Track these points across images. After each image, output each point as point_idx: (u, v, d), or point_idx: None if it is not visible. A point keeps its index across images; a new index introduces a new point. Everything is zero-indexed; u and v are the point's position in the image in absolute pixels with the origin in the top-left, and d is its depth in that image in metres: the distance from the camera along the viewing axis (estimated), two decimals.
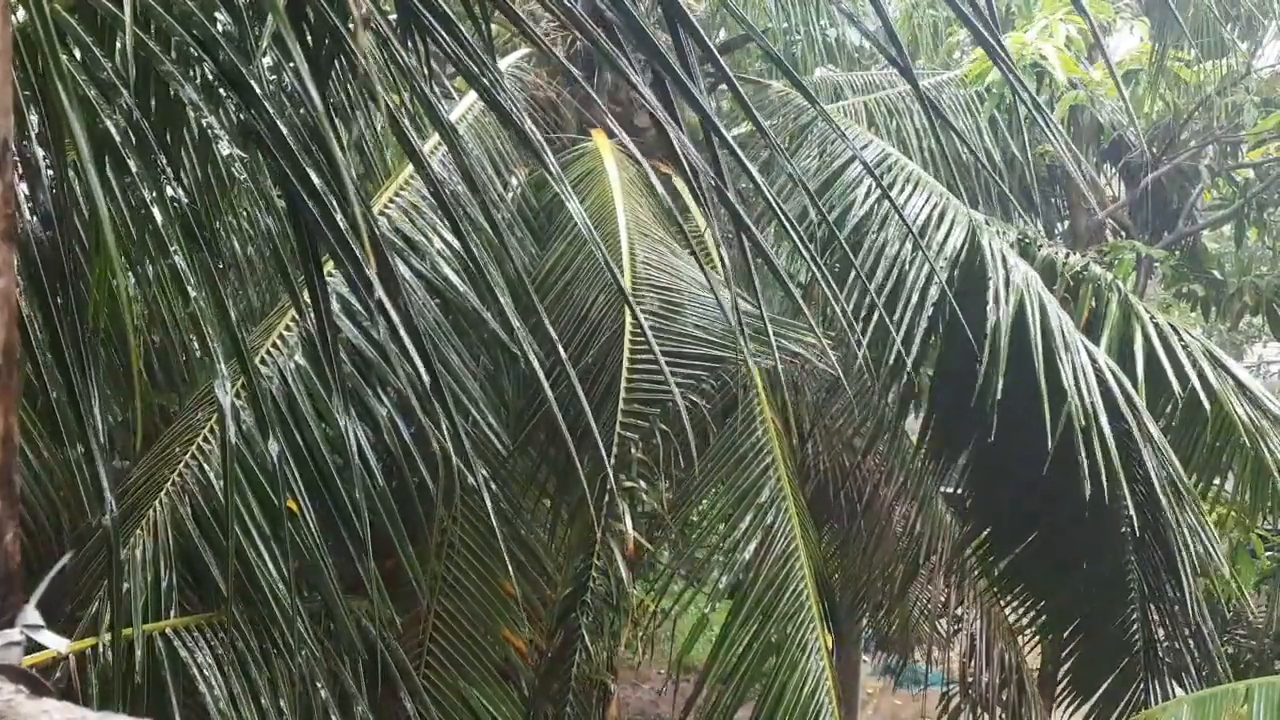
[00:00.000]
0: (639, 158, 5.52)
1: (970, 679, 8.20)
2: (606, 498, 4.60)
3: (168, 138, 3.11)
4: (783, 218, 2.68)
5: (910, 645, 9.42)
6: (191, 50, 2.77)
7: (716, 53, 2.39)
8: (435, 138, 5.33)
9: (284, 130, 2.70)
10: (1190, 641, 6.48)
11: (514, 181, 5.96)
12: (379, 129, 5.02)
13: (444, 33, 2.67)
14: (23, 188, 2.86)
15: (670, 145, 2.82)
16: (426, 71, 2.90)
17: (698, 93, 2.48)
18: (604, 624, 4.73)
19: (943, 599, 8.80)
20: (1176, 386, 5.98)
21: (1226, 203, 11.56)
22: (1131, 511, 5.59)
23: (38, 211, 2.86)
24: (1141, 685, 6.56)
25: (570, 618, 4.79)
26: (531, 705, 5.11)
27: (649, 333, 4.09)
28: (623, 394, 4.85)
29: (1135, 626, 6.53)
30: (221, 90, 2.79)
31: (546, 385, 2.63)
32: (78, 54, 2.79)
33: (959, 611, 8.46)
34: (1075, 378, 5.46)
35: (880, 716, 13.85)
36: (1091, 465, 5.28)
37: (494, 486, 4.89)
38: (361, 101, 4.18)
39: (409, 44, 2.82)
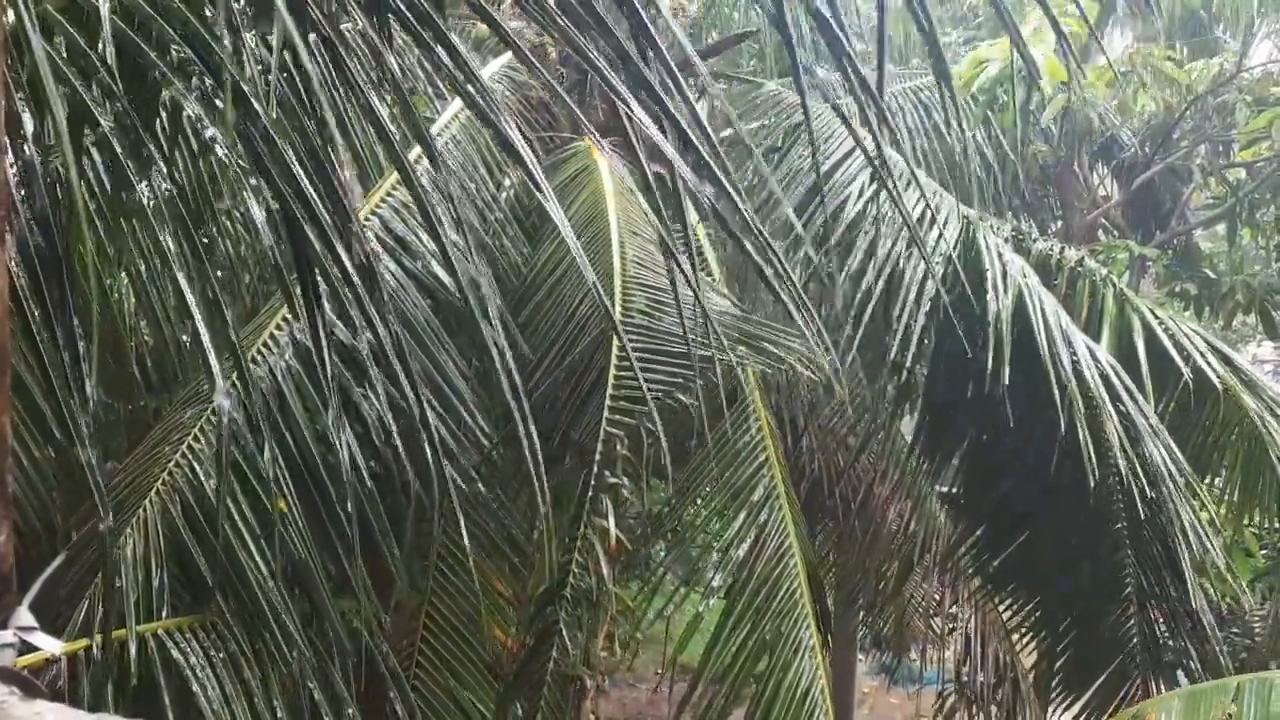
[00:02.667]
0: (645, 162, 5.50)
1: (965, 678, 8.20)
2: (590, 493, 4.59)
3: (160, 135, 3.11)
4: (759, 231, 2.68)
5: (906, 644, 9.42)
6: (183, 55, 2.77)
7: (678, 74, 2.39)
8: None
9: (275, 137, 2.71)
10: (1191, 638, 6.48)
11: (507, 181, 5.96)
12: (371, 130, 5.02)
13: (433, 41, 2.67)
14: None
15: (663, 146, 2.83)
16: (408, 79, 2.92)
17: (676, 110, 2.49)
18: (582, 620, 4.71)
19: (937, 597, 8.80)
20: (1184, 369, 5.99)
21: (1219, 202, 11.58)
22: (1137, 504, 5.57)
23: (33, 210, 2.86)
24: (1139, 682, 6.57)
25: (547, 612, 4.78)
26: (504, 698, 5.09)
27: (624, 338, 4.07)
28: (609, 390, 4.84)
29: (1131, 623, 6.53)
30: (213, 96, 2.79)
31: (519, 382, 2.63)
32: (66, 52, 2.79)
33: (954, 610, 8.46)
34: (1076, 369, 5.47)
35: (876, 716, 13.83)
36: (1098, 455, 5.29)
37: (482, 488, 4.89)
38: (353, 103, 4.18)
39: (392, 48, 2.82)
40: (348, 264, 2.74)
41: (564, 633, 4.64)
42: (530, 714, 4.76)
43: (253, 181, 2.92)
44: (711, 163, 2.56)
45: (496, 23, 2.59)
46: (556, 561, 4.74)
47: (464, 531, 3.71)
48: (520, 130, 2.81)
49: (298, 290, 3.01)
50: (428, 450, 3.07)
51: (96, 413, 3.10)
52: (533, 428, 2.95)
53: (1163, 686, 6.46)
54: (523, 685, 4.86)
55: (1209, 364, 6.14)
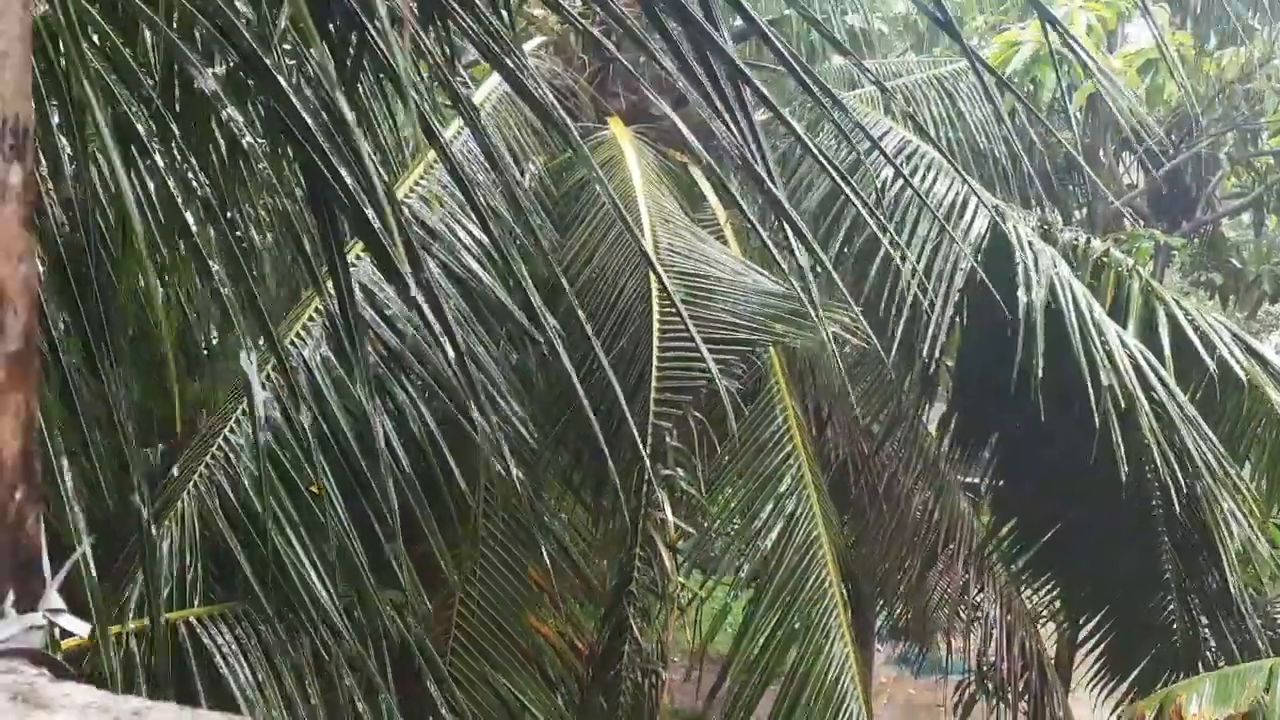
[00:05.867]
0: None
1: (989, 667, 8.18)
2: (645, 487, 4.57)
3: (193, 124, 3.10)
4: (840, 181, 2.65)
5: (928, 634, 9.40)
6: (213, 37, 2.76)
7: (765, 26, 2.37)
8: (454, 125, 5.32)
9: (306, 117, 2.69)
10: (1227, 625, 6.45)
11: (532, 169, 5.93)
12: (399, 118, 5.01)
13: (464, 14, 2.66)
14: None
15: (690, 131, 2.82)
16: (447, 55, 2.89)
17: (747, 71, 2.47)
18: (651, 613, 4.72)
19: (962, 587, 8.76)
20: (1209, 362, 5.95)
21: (1246, 190, 11.49)
22: (1173, 493, 5.53)
23: (60, 200, 2.86)
24: (1176, 669, 6.54)
25: (618, 609, 4.77)
26: (584, 699, 5.12)
27: (687, 319, 4.06)
28: (654, 382, 4.80)
29: (1170, 609, 6.50)
30: (243, 75, 2.78)
31: (577, 382, 2.61)
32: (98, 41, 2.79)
33: (978, 600, 8.43)
34: (1111, 359, 5.43)
35: (894, 706, 13.82)
36: (1130, 446, 5.26)
37: (521, 474, 4.88)
38: (381, 88, 4.18)
39: (430, 27, 2.81)
40: (380, 232, 2.71)
41: (635, 628, 4.64)
42: (612, 711, 4.78)
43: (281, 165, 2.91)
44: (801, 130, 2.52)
45: None
46: (619, 558, 4.75)
47: (505, 524, 3.68)
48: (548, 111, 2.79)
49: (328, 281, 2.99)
50: (476, 438, 3.05)
51: (129, 399, 3.10)
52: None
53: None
54: (600, 683, 4.88)
55: (1234, 356, 6.10)
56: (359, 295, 4.44)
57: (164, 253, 3.59)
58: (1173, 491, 5.48)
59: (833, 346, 5.16)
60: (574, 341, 4.19)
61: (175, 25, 2.81)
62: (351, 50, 2.81)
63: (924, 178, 6.31)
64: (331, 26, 2.76)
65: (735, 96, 2.55)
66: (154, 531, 3.78)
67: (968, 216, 6.03)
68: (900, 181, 6.12)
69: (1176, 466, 5.48)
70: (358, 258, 4.48)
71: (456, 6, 2.64)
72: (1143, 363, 5.62)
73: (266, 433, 4.05)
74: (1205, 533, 6.13)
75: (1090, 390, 5.30)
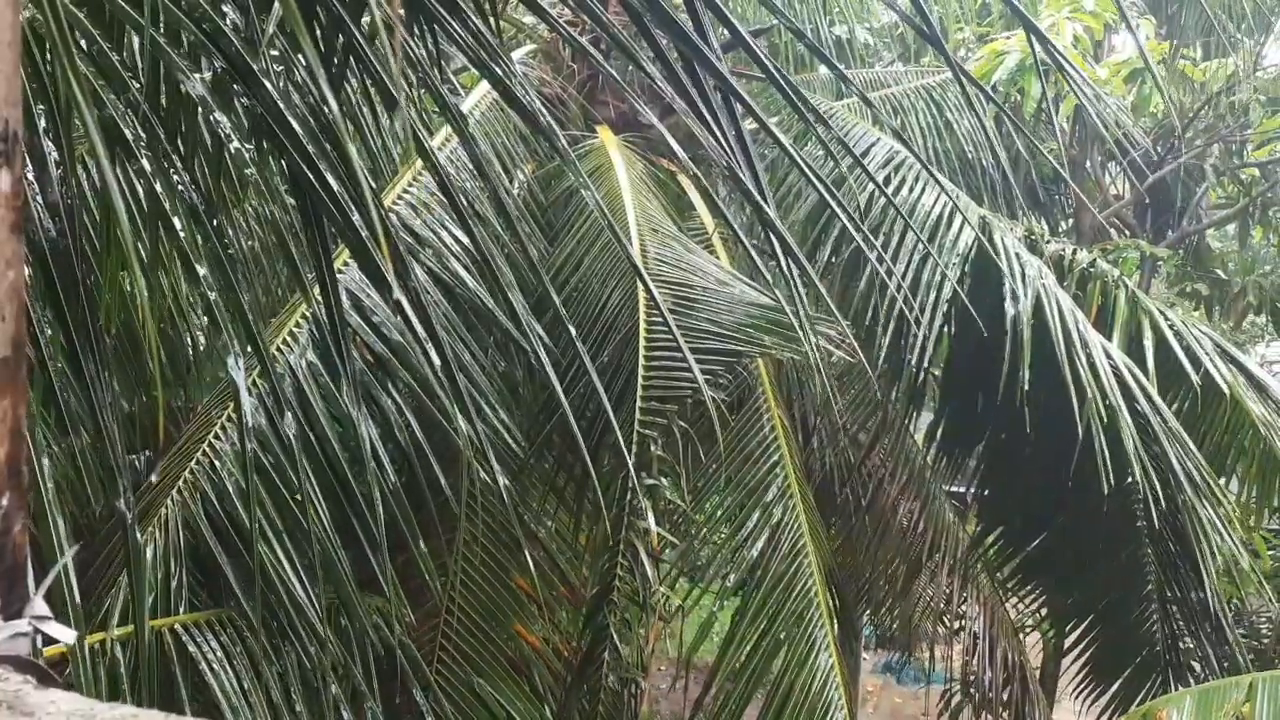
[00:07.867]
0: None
1: (973, 677, 8.19)
2: (629, 495, 4.57)
3: (180, 129, 3.09)
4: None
5: (913, 643, 9.41)
6: (200, 42, 2.76)
7: (750, 39, 2.38)
8: (443, 133, 5.32)
9: (293, 122, 2.69)
10: (1207, 638, 6.47)
11: (520, 177, 5.93)
12: (386, 124, 5.00)
13: (452, 21, 2.66)
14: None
15: (679, 141, 2.83)
16: (435, 61, 2.89)
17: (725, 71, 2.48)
18: (632, 622, 4.72)
19: (946, 596, 8.78)
20: (1194, 376, 5.96)
21: (1231, 201, 11.54)
22: (1151, 506, 5.55)
23: (46, 204, 2.85)
24: (1159, 679, 6.57)
25: (598, 618, 4.77)
26: (563, 707, 5.11)
27: (674, 328, 4.06)
28: (640, 391, 4.80)
29: (1153, 621, 6.53)
30: (230, 80, 2.78)
31: (560, 390, 2.61)
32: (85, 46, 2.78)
33: (962, 609, 8.45)
34: (1095, 371, 5.45)
35: (880, 714, 13.84)
36: (1115, 458, 5.27)
37: (507, 482, 4.87)
38: (368, 95, 4.16)
39: (417, 33, 2.81)
40: (367, 239, 2.70)
41: (615, 637, 4.64)
42: (591, 718, 4.77)
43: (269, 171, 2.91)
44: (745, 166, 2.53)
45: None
46: (597, 565, 4.74)
47: (490, 531, 3.68)
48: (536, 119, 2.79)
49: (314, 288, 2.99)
50: (460, 445, 3.04)
51: (114, 404, 3.09)
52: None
53: (1187, 682, 6.46)
54: (579, 692, 4.87)
55: (1217, 368, 6.12)
56: (346, 301, 4.44)
57: (148, 257, 3.59)
58: (1153, 504, 5.50)
59: (817, 358, 5.16)
60: (561, 349, 4.20)
61: (162, 30, 2.80)
62: (338, 56, 2.81)
63: (912, 189, 6.32)
64: (318, 32, 2.76)
65: (723, 107, 2.56)
66: (138, 537, 3.77)
67: (955, 227, 6.04)
68: (891, 190, 6.14)
69: (1158, 479, 5.49)
70: (345, 264, 4.47)
71: (444, 12, 2.65)
72: (1126, 375, 5.64)
73: (252, 440, 4.04)
74: (1186, 545, 6.15)
75: (1075, 402, 5.31)
